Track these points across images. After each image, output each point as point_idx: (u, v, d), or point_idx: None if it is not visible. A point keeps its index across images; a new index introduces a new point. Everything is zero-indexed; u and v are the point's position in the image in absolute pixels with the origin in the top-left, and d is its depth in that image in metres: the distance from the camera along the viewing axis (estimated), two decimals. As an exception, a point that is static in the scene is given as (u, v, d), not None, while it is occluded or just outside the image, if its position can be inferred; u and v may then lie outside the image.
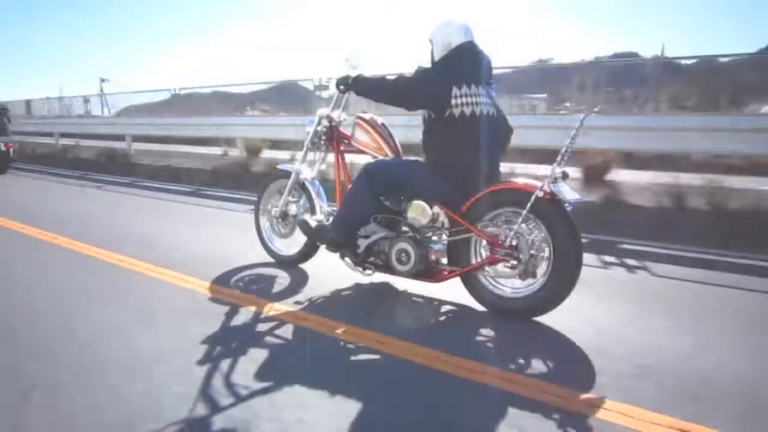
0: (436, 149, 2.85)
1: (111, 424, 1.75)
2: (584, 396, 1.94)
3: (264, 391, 1.97)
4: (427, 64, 2.93)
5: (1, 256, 4.07)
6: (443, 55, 2.84)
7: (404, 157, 3.20)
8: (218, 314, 2.72)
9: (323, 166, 3.57)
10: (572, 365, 2.24)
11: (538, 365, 2.23)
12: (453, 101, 2.72)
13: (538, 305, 2.67)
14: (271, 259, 3.65)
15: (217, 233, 4.70)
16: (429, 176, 2.87)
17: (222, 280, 3.27)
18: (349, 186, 3.27)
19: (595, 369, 2.15)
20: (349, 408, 1.86)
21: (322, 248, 3.36)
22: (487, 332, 2.62)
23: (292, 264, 3.56)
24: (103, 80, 24.81)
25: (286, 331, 2.56)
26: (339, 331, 2.54)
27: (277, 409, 1.84)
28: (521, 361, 2.26)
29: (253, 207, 3.90)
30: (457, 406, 1.88)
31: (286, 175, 3.63)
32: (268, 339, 2.47)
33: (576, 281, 2.59)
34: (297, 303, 2.91)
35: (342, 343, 2.42)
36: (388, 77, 2.98)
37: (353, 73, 3.12)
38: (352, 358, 2.32)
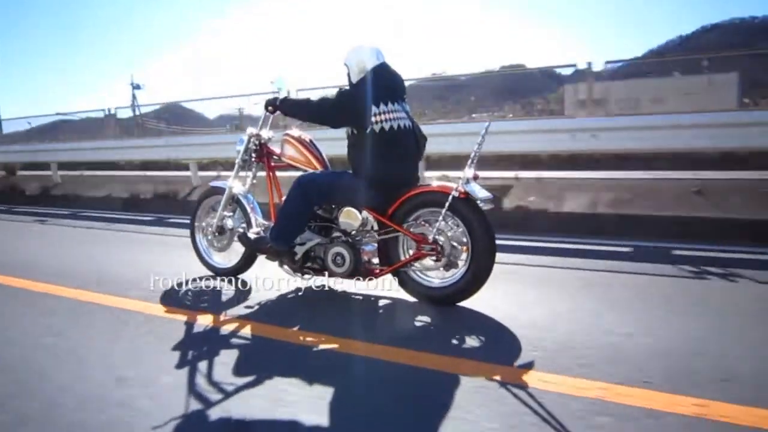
0: (361, 161, 3.00)
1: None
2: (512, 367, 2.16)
3: (231, 403, 1.95)
4: (345, 86, 3.10)
5: None
6: (360, 77, 3.01)
7: (332, 169, 3.33)
8: (174, 334, 2.61)
9: (254, 181, 3.62)
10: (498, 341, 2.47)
11: (471, 344, 2.42)
12: (373, 118, 2.89)
13: (463, 291, 2.88)
14: (210, 273, 3.65)
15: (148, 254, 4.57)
16: (357, 185, 3.01)
17: (168, 299, 3.19)
18: (283, 198, 3.37)
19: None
20: (322, 408, 1.87)
21: (260, 258, 3.43)
22: (424, 320, 2.78)
23: (231, 275, 3.57)
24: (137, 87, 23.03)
25: (246, 342, 2.53)
26: (292, 335, 2.58)
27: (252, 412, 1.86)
28: (456, 342, 2.44)
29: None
30: (418, 395, 1.97)
31: (219, 191, 3.64)
32: (228, 352, 2.38)
33: (492, 267, 2.83)
34: (248, 312, 2.90)
35: (299, 347, 2.44)
36: (312, 99, 3.11)
37: (280, 95, 3.22)
38: (312, 361, 2.29)
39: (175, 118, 13.64)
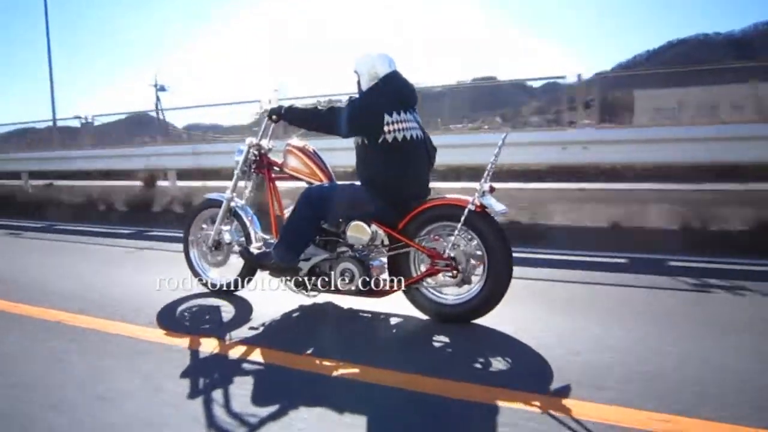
0: (372, 172, 2.84)
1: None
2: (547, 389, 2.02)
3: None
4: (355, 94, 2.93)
5: None
6: (371, 84, 2.85)
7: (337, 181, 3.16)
8: (178, 361, 2.35)
9: (252, 193, 3.41)
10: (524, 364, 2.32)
11: (498, 368, 2.26)
12: (385, 128, 2.74)
13: (478, 308, 2.74)
14: (204, 290, 3.41)
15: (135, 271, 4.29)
16: (366, 197, 2.85)
17: (165, 321, 2.92)
18: (283, 211, 3.17)
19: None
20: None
21: (258, 274, 3.22)
22: (441, 341, 2.60)
23: (228, 292, 3.35)
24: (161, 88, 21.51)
25: (258, 369, 2.28)
26: (306, 362, 2.34)
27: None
28: (479, 366, 2.28)
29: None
30: (444, 425, 1.83)
31: (214, 204, 3.43)
32: (241, 381, 2.15)
33: (509, 283, 2.70)
34: (254, 334, 2.68)
35: (316, 375, 2.22)
36: (319, 108, 2.93)
37: (285, 104, 3.04)
38: (333, 391, 2.09)
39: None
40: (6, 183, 10.11)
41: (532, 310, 2.96)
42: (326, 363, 2.32)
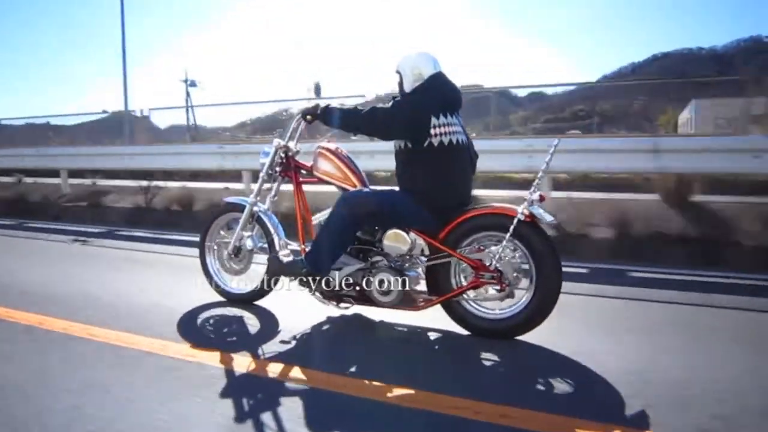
0: (414, 178, 2.67)
1: None
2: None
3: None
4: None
5: None
6: (416, 85, 2.68)
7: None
8: (211, 380, 2.13)
9: (276, 198, 3.20)
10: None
11: (563, 390, 2.10)
12: (432, 131, 2.58)
13: (524, 324, 2.58)
14: (222, 299, 3.18)
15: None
16: (407, 204, 2.67)
17: (189, 334, 2.67)
18: (310, 216, 2.98)
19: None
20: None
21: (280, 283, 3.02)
22: (490, 359, 2.43)
23: (247, 302, 3.12)
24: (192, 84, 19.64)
25: (300, 391, 2.07)
26: (363, 387, 2.10)
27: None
28: (542, 388, 2.13)
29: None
30: None
31: (235, 208, 3.20)
32: (291, 406, 1.94)
33: (558, 298, 2.55)
34: (287, 349, 2.48)
35: (363, 401, 1.99)
36: (360, 108, 2.74)
37: (321, 104, 2.84)
38: (382, 419, 1.88)
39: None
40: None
41: (581, 326, 2.81)
42: (376, 384, 2.12)
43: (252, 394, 2.05)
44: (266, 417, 1.86)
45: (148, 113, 10.05)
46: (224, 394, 2.03)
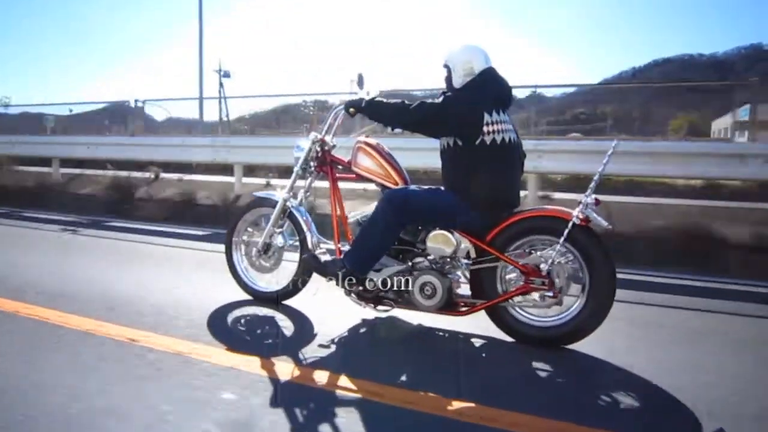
0: (463, 177, 2.53)
1: None
2: None
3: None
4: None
5: None
6: (467, 81, 2.54)
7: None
8: (256, 386, 1.99)
9: (308, 194, 3.05)
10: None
11: (629, 404, 1.98)
12: (484, 128, 2.44)
13: (576, 332, 2.46)
14: (249, 297, 3.03)
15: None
16: (454, 204, 2.53)
17: (223, 337, 2.48)
18: (345, 214, 2.84)
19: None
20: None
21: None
22: (544, 369, 2.30)
23: (275, 301, 2.97)
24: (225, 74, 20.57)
25: (356, 402, 1.92)
26: (405, 396, 1.96)
27: None
28: (604, 404, 2.00)
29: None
30: None
31: (266, 203, 3.05)
32: (342, 415, 1.82)
33: (611, 305, 2.43)
34: (328, 354, 2.34)
35: (424, 416, 1.84)
36: (406, 102, 2.60)
37: (366, 96, 2.70)
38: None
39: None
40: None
41: (637, 337, 2.69)
42: (431, 395, 1.98)
43: (308, 404, 1.91)
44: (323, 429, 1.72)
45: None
46: (271, 403, 1.88)
